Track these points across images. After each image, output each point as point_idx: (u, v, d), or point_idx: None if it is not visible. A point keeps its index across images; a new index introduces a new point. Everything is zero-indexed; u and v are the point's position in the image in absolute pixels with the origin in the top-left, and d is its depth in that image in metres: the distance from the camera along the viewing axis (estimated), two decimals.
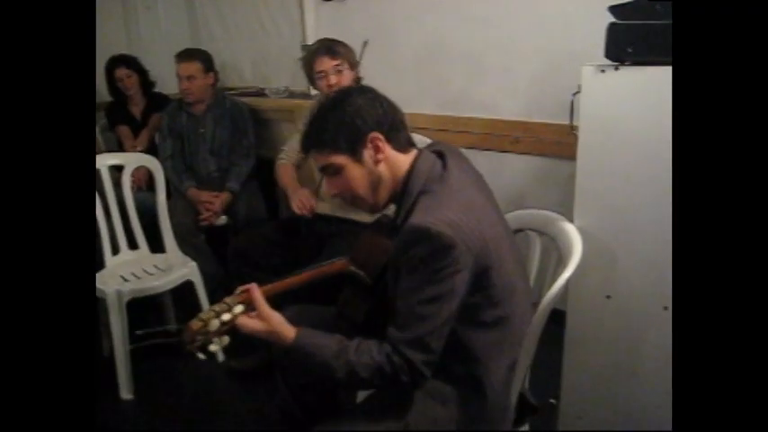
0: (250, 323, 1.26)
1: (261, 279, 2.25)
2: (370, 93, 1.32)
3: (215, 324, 1.21)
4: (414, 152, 1.33)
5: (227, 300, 1.26)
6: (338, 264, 1.46)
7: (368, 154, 1.28)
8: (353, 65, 2.29)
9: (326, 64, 2.22)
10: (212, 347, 1.22)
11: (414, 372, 1.20)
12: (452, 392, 1.30)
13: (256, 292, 1.28)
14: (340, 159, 1.29)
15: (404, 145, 1.32)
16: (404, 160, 1.31)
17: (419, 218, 1.20)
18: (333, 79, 2.22)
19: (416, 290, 1.18)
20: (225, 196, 2.87)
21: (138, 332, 2.47)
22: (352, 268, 1.43)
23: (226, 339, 1.24)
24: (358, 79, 2.30)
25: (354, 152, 1.28)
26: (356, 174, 1.29)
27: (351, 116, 1.27)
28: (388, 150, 1.29)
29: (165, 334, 2.60)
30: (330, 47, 2.25)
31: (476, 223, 1.22)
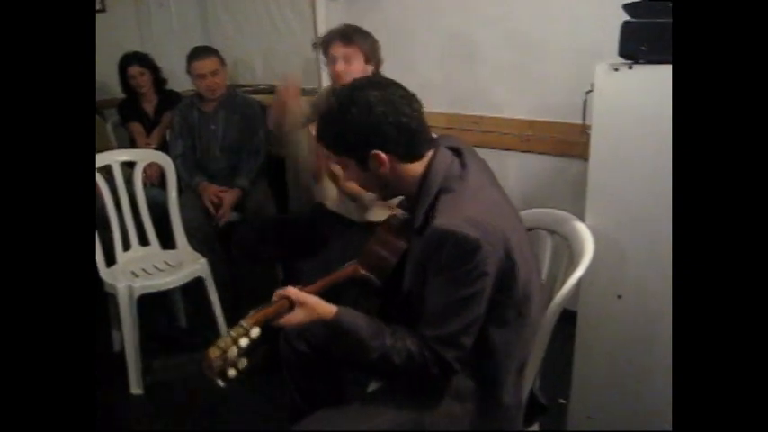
0: (292, 317, 1.28)
1: (261, 271, 2.29)
2: (381, 96, 1.23)
3: (233, 351, 1.20)
4: (430, 153, 1.30)
5: (243, 323, 1.25)
6: (349, 269, 1.45)
7: (371, 163, 1.27)
8: (370, 57, 2.14)
9: (338, 50, 2.10)
10: (231, 372, 1.21)
11: (445, 366, 1.22)
12: (470, 390, 1.30)
13: (289, 289, 1.30)
14: (345, 160, 1.30)
15: (417, 152, 1.29)
16: (415, 167, 1.29)
17: (443, 220, 1.19)
18: (340, 66, 2.09)
19: (445, 291, 1.20)
20: (235, 192, 2.88)
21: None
22: (363, 272, 1.43)
23: (243, 362, 1.22)
24: (375, 75, 2.14)
25: (358, 160, 1.28)
26: (361, 175, 1.31)
27: (353, 131, 1.24)
28: (395, 163, 1.28)
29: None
30: (345, 33, 2.12)
31: (498, 222, 1.22)
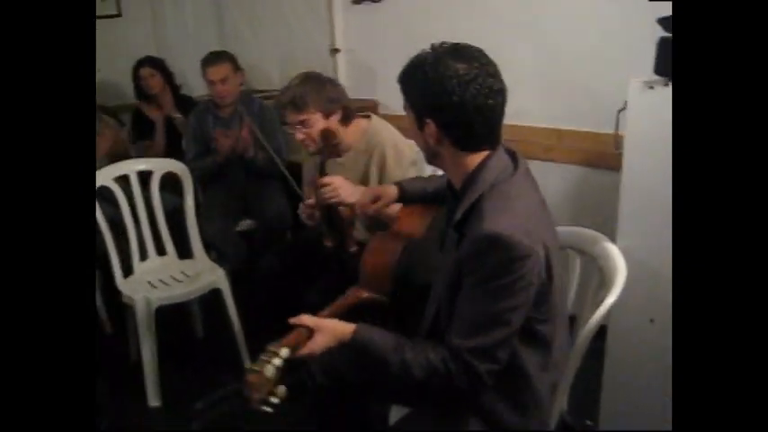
0: (314, 345, 1.26)
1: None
2: (463, 73, 1.17)
3: (270, 370, 1.18)
4: (487, 151, 1.25)
5: (271, 348, 1.23)
6: (351, 297, 1.38)
7: (428, 130, 1.23)
8: (330, 109, 2.06)
9: (293, 118, 2.05)
10: (273, 399, 1.19)
11: (475, 380, 1.18)
12: (498, 412, 1.26)
13: (303, 317, 1.28)
14: (408, 110, 1.28)
15: (471, 144, 1.24)
16: (469, 160, 1.24)
17: (492, 223, 1.14)
18: (301, 135, 2.06)
19: (488, 299, 1.15)
20: (247, 125, 2.80)
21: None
22: (366, 295, 1.37)
23: (283, 390, 1.21)
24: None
25: (416, 117, 1.25)
26: (416, 132, 1.28)
27: (419, 90, 1.23)
28: (446, 143, 1.24)
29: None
30: (294, 101, 2.04)
31: (541, 232, 1.18)
